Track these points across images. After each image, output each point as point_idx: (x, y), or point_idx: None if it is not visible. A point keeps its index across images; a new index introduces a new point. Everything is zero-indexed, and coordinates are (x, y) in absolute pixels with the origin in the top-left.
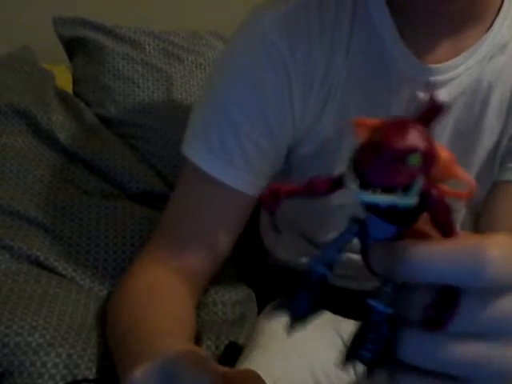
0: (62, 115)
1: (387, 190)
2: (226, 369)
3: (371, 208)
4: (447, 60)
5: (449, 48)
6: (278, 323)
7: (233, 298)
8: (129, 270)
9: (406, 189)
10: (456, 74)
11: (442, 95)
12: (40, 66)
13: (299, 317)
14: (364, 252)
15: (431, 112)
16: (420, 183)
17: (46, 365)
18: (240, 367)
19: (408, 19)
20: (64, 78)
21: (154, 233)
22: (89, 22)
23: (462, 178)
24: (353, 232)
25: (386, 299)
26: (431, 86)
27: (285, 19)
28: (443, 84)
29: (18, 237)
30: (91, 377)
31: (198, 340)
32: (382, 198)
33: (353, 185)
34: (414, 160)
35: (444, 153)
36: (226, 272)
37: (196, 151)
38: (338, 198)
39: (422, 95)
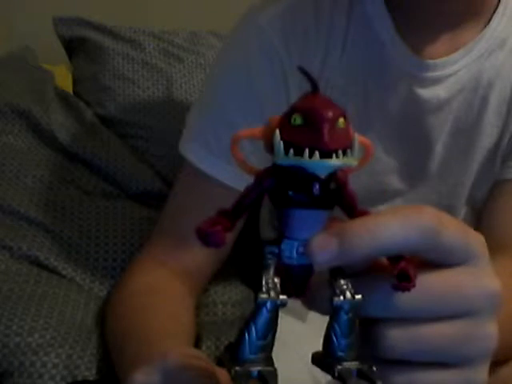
0: (61, 115)
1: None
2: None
3: (293, 202)
4: (445, 56)
5: (446, 44)
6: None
7: (233, 298)
8: (128, 271)
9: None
10: (454, 70)
11: (441, 91)
12: (40, 66)
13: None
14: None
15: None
16: (357, 142)
17: (45, 365)
18: None
19: (405, 15)
20: (64, 78)
21: (152, 233)
22: (89, 22)
23: (363, 142)
24: (272, 253)
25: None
26: (428, 82)
27: (281, 18)
28: (441, 80)
29: (18, 237)
30: (91, 377)
31: (198, 340)
32: (338, 162)
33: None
34: (342, 123)
35: None
36: (226, 272)
37: (193, 150)
38: None
39: (420, 91)
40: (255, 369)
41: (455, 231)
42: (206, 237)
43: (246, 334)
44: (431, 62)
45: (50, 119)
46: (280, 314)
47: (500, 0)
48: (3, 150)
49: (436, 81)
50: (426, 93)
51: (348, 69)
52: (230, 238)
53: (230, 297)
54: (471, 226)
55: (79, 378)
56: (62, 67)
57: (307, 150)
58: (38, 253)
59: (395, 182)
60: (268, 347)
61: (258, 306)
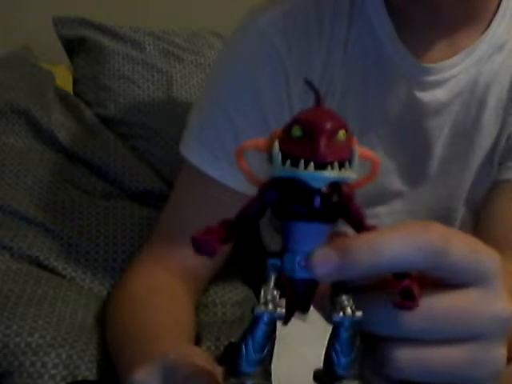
0: (61, 115)
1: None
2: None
3: (297, 215)
4: (444, 59)
5: (446, 47)
6: (278, 324)
7: (233, 298)
8: (128, 271)
9: (341, 165)
10: (453, 73)
11: (440, 94)
12: (40, 66)
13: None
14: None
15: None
16: (357, 155)
17: (45, 365)
18: None
19: (405, 18)
20: (64, 78)
21: (152, 233)
22: (89, 22)
23: (368, 157)
24: (274, 265)
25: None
26: (428, 85)
27: (283, 19)
28: (440, 83)
29: (18, 237)
30: (91, 377)
31: (197, 341)
32: (333, 174)
33: (305, 171)
34: (342, 135)
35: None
36: (226, 272)
37: (194, 151)
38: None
39: (419, 94)
40: (251, 382)
41: (464, 251)
42: (198, 245)
43: (243, 347)
44: (431, 65)
45: (50, 119)
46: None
47: (500, 4)
48: (3, 150)
49: (435, 84)
50: (425, 96)
51: (349, 71)
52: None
53: (229, 297)
54: (470, 227)
55: (79, 378)
56: (62, 67)
57: (302, 161)
58: (38, 253)
59: (395, 183)
60: (265, 360)
61: (255, 318)
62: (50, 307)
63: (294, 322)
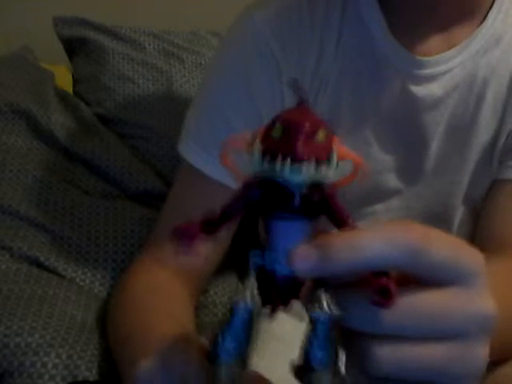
0: (61, 115)
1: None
2: None
3: (281, 207)
4: (439, 53)
5: (440, 41)
6: (277, 324)
7: (232, 298)
8: (128, 271)
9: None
10: (448, 67)
11: (435, 89)
12: (40, 65)
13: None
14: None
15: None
16: (336, 155)
17: (46, 365)
18: None
19: (398, 12)
20: (64, 78)
21: (152, 233)
22: (89, 22)
23: (349, 157)
24: (256, 261)
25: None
26: (422, 79)
27: (276, 18)
28: (435, 77)
29: (18, 237)
30: (91, 378)
31: None
32: (310, 171)
33: (282, 169)
34: (322, 136)
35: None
36: (226, 273)
37: (190, 150)
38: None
39: (414, 88)
40: (225, 366)
41: (444, 250)
42: (179, 233)
43: (220, 336)
44: (424, 59)
45: (50, 119)
46: (280, 313)
47: None
48: (3, 150)
49: (430, 78)
50: (420, 90)
51: (342, 66)
52: (226, 237)
53: (229, 297)
54: (468, 226)
55: (79, 379)
56: (62, 67)
57: (279, 158)
58: (38, 253)
59: (392, 180)
60: (242, 351)
61: (233, 309)
62: (50, 307)
63: (294, 321)
